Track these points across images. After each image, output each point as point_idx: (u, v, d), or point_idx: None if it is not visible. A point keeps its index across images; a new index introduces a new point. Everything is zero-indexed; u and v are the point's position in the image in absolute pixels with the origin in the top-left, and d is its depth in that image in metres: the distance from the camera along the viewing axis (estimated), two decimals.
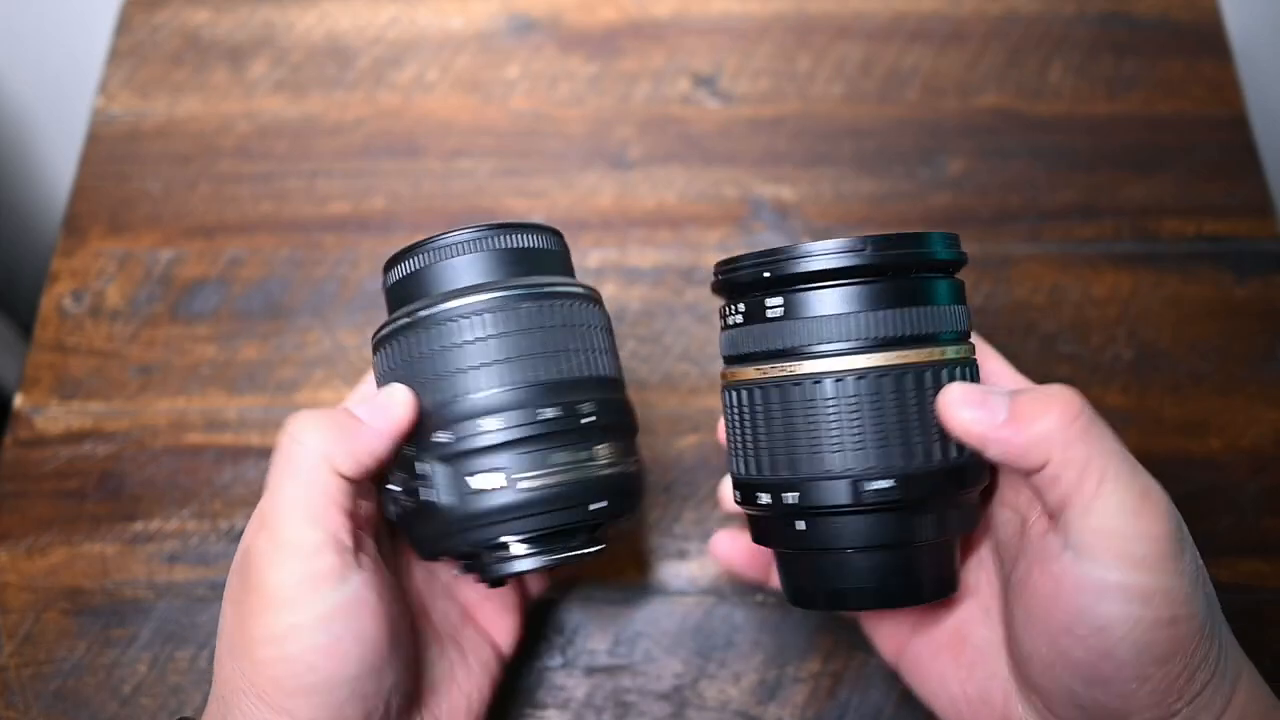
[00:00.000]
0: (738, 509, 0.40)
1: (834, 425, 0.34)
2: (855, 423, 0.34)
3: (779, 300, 0.36)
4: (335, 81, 0.66)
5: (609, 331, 0.41)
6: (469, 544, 0.38)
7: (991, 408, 0.34)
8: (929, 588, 0.37)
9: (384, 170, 0.63)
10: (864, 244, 0.35)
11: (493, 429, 0.36)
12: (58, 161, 1.00)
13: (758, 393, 0.36)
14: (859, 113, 0.64)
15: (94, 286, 0.59)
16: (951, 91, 0.64)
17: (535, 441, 0.36)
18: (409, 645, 0.39)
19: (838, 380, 0.34)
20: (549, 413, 0.36)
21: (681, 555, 0.51)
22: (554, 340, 0.38)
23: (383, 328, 0.39)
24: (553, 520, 0.37)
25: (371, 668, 0.35)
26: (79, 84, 0.76)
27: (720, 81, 0.65)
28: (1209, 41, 0.66)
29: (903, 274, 0.35)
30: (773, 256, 0.36)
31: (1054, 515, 0.34)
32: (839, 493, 0.35)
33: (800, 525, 0.36)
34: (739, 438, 0.37)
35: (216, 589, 0.51)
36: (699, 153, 0.63)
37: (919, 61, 0.65)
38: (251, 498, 0.53)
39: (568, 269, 0.42)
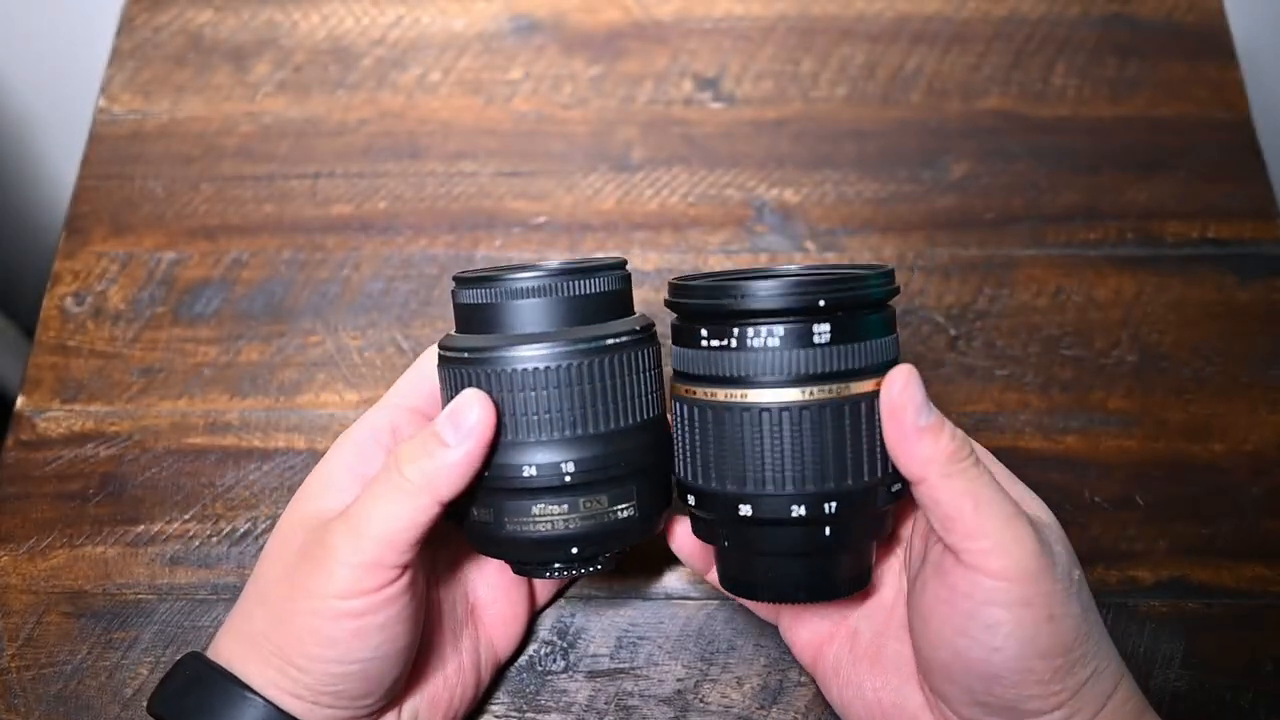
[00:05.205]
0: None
1: (774, 448, 0.38)
2: (794, 447, 0.38)
3: (726, 333, 0.39)
4: (338, 82, 0.66)
5: (651, 371, 0.42)
6: (482, 552, 0.43)
7: (924, 406, 0.37)
8: (845, 586, 0.41)
9: (386, 172, 0.63)
10: (807, 287, 0.38)
11: (487, 475, 0.40)
12: (60, 162, 1.00)
13: (709, 413, 0.39)
14: (862, 115, 0.64)
15: (96, 288, 0.59)
16: (955, 94, 0.64)
17: (520, 495, 0.40)
18: (417, 644, 0.42)
19: (782, 410, 0.38)
20: (530, 470, 0.40)
21: None
22: (584, 398, 0.40)
23: (449, 349, 0.41)
24: (536, 556, 0.41)
25: (386, 660, 0.39)
26: (81, 84, 0.76)
27: (723, 83, 0.65)
28: (1212, 43, 0.65)
29: (840, 313, 0.38)
30: (723, 293, 0.38)
31: (941, 535, 0.38)
32: (772, 507, 0.39)
33: (736, 530, 0.40)
34: (687, 447, 0.41)
35: (218, 591, 0.51)
36: (702, 155, 0.63)
37: (922, 63, 0.65)
38: (253, 500, 0.53)
39: (626, 308, 0.43)
